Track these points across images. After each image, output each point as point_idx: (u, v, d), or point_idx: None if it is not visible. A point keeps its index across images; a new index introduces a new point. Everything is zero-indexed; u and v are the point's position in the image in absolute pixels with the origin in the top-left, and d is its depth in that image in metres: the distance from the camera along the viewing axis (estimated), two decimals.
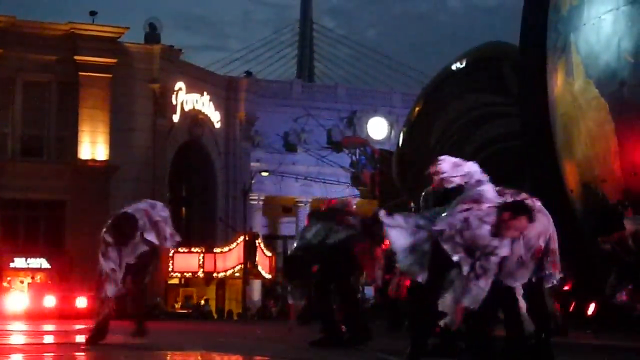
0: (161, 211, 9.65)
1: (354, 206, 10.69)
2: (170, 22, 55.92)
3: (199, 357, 9.06)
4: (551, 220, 7.36)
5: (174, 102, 40.27)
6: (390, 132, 51.80)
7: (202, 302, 40.31)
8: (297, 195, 50.24)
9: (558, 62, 15.24)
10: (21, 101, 37.06)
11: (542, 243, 7.28)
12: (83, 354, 9.40)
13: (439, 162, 7.37)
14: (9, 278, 35.31)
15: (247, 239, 38.23)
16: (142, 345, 9.95)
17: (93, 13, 38.08)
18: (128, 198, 38.47)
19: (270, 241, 44.76)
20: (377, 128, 53.19)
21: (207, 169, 44.06)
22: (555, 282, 7.66)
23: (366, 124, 53.07)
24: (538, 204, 7.28)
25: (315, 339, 10.05)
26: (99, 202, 35.98)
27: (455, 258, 7.07)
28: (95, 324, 9.82)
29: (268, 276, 41.50)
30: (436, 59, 33.86)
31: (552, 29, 15.61)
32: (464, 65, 20.99)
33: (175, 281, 40.34)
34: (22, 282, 35.02)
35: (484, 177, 7.31)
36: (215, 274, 39.48)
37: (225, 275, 39.71)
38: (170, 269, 38.17)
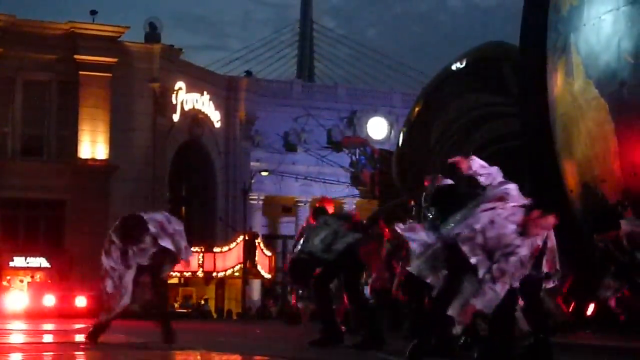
0: (176, 225, 9.66)
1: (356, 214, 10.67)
2: (171, 22, 55.90)
3: (199, 357, 9.06)
4: None
5: (174, 101, 40.29)
6: (390, 132, 51.84)
7: (202, 301, 40.34)
8: (297, 195, 50.26)
9: (558, 62, 15.24)
10: (21, 100, 37.08)
11: (540, 242, 7.30)
12: (82, 353, 9.40)
13: (471, 159, 7.38)
14: (8, 277, 35.33)
15: (246, 238, 38.26)
16: (142, 344, 9.95)
17: (93, 12, 38.11)
18: (128, 197, 38.97)
19: (269, 241, 44.79)
20: (377, 128, 53.22)
21: (207, 169, 44.08)
22: (555, 282, 7.67)
23: (366, 123, 53.10)
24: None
25: (315, 338, 10.06)
26: (98, 201, 36.04)
27: (473, 260, 7.02)
28: (99, 320, 9.78)
29: (268, 276, 41.53)
30: (436, 59, 33.88)
31: (552, 29, 15.61)
32: (464, 65, 20.97)
33: (175, 280, 40.35)
34: (21, 281, 35.05)
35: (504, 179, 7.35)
36: (214, 274, 39.50)
37: (224, 275, 39.73)
38: None
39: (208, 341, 10.13)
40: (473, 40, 24.80)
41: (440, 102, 21.27)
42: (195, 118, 42.17)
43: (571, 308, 12.52)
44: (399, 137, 23.86)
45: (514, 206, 7.07)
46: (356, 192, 41.39)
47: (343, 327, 10.75)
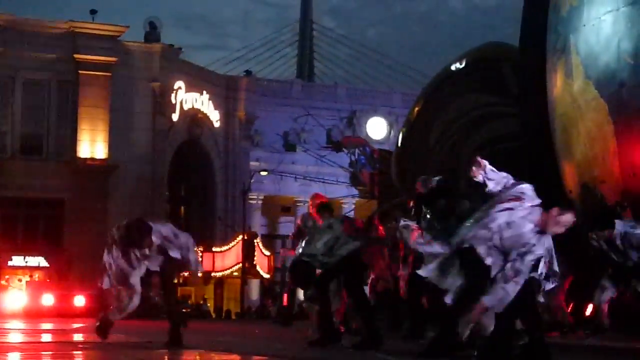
0: (183, 238, 9.60)
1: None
2: (171, 21, 55.96)
3: (198, 357, 9.05)
4: None
5: (173, 101, 40.28)
6: (390, 132, 51.83)
7: (201, 301, 40.31)
8: (296, 195, 50.22)
9: (557, 63, 15.23)
10: (21, 99, 37.09)
11: (550, 242, 7.33)
12: (81, 352, 9.39)
13: (485, 164, 7.36)
14: (7, 276, 35.33)
15: (245, 238, 38.26)
16: (141, 344, 9.94)
17: (93, 11, 38.12)
18: (127, 197, 38.97)
19: (269, 241, 44.75)
20: (377, 128, 53.21)
21: (206, 168, 44.07)
22: (553, 284, 7.66)
23: (366, 124, 53.09)
24: None
25: (314, 338, 10.04)
26: (98, 200, 36.07)
27: (488, 261, 7.02)
28: (105, 315, 9.75)
29: (266, 275, 41.52)
30: (436, 59, 33.89)
31: (552, 30, 15.60)
32: (463, 65, 20.95)
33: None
34: (20, 280, 35.04)
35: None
36: (213, 273, 39.47)
37: (223, 275, 39.71)
38: None
39: (207, 341, 10.12)
40: (473, 41, 24.80)
41: (440, 103, 21.25)
42: (194, 118, 42.16)
43: (570, 308, 12.51)
44: (398, 137, 23.84)
45: (531, 205, 7.08)
46: (355, 192, 41.38)
47: (342, 328, 10.74)
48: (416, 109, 22.39)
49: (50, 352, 9.49)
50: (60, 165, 36.59)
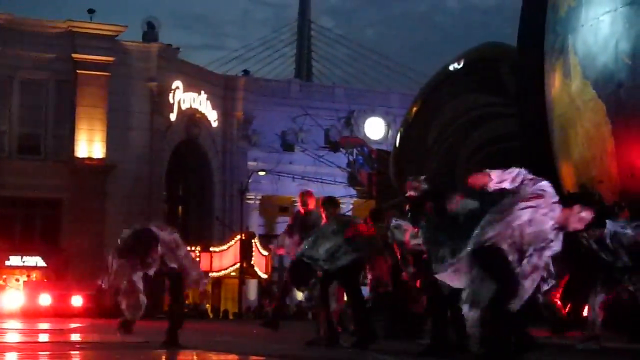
0: (182, 251, 9.61)
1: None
2: (169, 21, 55.86)
3: (195, 356, 9.04)
4: None
5: (171, 100, 40.25)
6: (388, 132, 51.78)
7: (198, 301, 40.26)
8: (294, 195, 49.88)
9: (556, 63, 15.24)
10: (19, 99, 37.06)
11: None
12: (78, 352, 9.38)
13: (486, 174, 7.32)
14: (4, 276, 35.30)
15: (243, 238, 38.23)
16: (138, 344, 9.93)
17: (91, 11, 38.10)
18: (125, 197, 38.87)
19: (266, 241, 44.67)
20: (375, 128, 53.16)
21: (204, 168, 44.04)
22: (548, 285, 7.65)
23: (364, 124, 53.02)
24: None
25: (311, 338, 10.04)
26: (95, 200, 36.07)
27: (509, 259, 7.03)
28: (125, 318, 9.74)
29: (264, 276, 41.49)
30: (434, 60, 33.88)
31: (550, 30, 15.61)
32: (461, 65, 20.97)
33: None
34: (17, 280, 35.01)
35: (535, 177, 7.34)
36: (211, 273, 39.42)
37: (221, 275, 39.68)
38: None
39: (205, 341, 10.12)
40: (471, 41, 24.80)
41: (437, 103, 21.27)
42: (192, 117, 42.13)
43: (567, 309, 12.50)
44: (396, 137, 23.85)
45: (552, 202, 7.10)
46: (353, 192, 41.35)
47: (339, 328, 10.73)
48: (414, 109, 22.41)
49: (48, 352, 9.47)
50: (58, 165, 36.55)
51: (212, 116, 43.70)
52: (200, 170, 44.00)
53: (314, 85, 57.64)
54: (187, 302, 40.58)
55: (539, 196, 7.08)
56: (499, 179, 7.23)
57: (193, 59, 46.28)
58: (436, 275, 7.41)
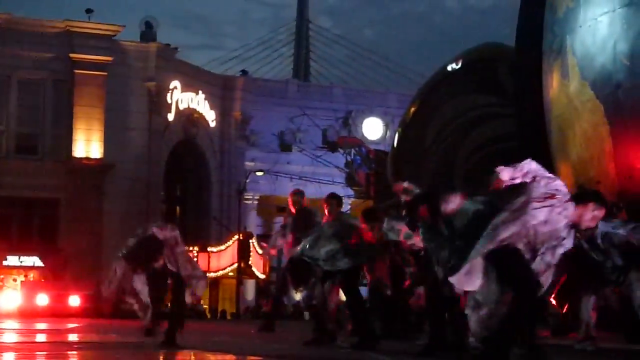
0: (180, 248, 9.62)
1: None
2: (167, 21, 55.80)
3: (193, 357, 9.03)
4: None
5: (169, 100, 40.21)
6: (386, 133, 51.80)
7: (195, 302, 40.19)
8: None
9: (554, 64, 15.24)
10: (16, 99, 37.02)
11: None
12: (76, 352, 9.37)
13: (498, 173, 7.31)
14: (1, 276, 35.26)
15: (241, 238, 38.21)
16: (136, 344, 9.92)
17: (89, 11, 38.05)
18: (122, 197, 38.79)
19: (264, 241, 44.62)
20: (373, 128, 53.17)
21: (201, 168, 44.01)
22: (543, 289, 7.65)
23: (361, 124, 53.04)
24: None
25: (309, 338, 10.04)
26: (93, 200, 36.05)
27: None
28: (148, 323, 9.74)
29: (262, 276, 41.45)
30: (432, 60, 33.89)
31: (548, 31, 15.62)
32: (459, 66, 20.97)
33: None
34: (15, 280, 34.97)
35: (546, 172, 7.32)
36: (209, 274, 39.39)
37: (218, 275, 39.64)
38: None
39: (202, 341, 10.11)
40: (469, 41, 24.79)
41: (436, 103, 21.26)
42: (190, 117, 42.10)
43: (565, 309, 12.50)
44: (394, 137, 23.85)
45: (566, 201, 7.09)
46: (351, 192, 41.34)
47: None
48: (412, 109, 22.40)
49: (45, 352, 9.46)
50: (55, 165, 36.52)
51: (210, 116, 43.67)
52: (198, 170, 43.98)
53: (311, 85, 57.65)
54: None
55: (553, 196, 7.05)
56: (510, 177, 7.20)
57: (191, 58, 46.32)
58: (450, 280, 7.30)
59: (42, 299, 29.48)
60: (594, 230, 9.57)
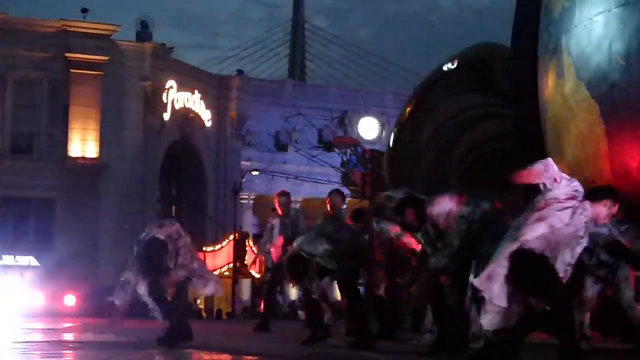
0: (183, 241, 9.63)
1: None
2: (163, 20, 55.84)
3: (189, 356, 9.02)
4: None
5: (164, 100, 40.19)
6: (382, 133, 51.84)
7: (192, 301, 40.18)
8: None
9: (549, 64, 15.24)
10: (11, 98, 36.98)
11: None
12: (71, 352, 9.36)
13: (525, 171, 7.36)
14: None
15: (236, 237, 38.21)
16: (130, 343, 9.91)
17: (85, 10, 38.01)
18: (118, 196, 38.71)
19: (260, 240, 44.61)
20: (368, 128, 53.22)
21: (197, 168, 44.00)
22: None
23: (357, 124, 53.09)
24: None
25: (306, 337, 10.04)
26: (88, 200, 36.03)
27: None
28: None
29: (257, 275, 41.44)
30: (428, 60, 33.92)
31: (544, 31, 15.61)
32: (455, 66, 20.94)
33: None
34: (11, 279, 34.87)
35: (563, 173, 7.37)
36: None
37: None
38: None
39: (197, 340, 10.09)
40: (465, 41, 24.77)
41: (431, 103, 21.24)
42: (186, 117, 42.08)
43: None
44: (390, 137, 23.83)
45: (583, 200, 7.11)
46: (347, 192, 41.29)
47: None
48: (408, 109, 22.38)
49: (40, 352, 9.45)
50: (51, 165, 36.50)
51: (206, 116, 43.66)
52: (193, 170, 43.97)
53: (307, 85, 57.68)
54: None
55: (574, 197, 7.06)
56: (537, 176, 7.21)
57: (187, 58, 46.34)
58: (473, 283, 7.27)
59: (38, 299, 29.42)
60: None
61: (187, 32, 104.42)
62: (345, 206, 11.91)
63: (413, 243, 8.81)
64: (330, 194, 10.54)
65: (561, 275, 6.98)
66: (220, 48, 74.01)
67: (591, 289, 10.06)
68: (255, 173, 41.62)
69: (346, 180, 38.52)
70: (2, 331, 14.45)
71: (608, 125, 13.66)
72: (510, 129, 18.08)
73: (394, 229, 9.20)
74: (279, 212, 12.20)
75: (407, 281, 10.73)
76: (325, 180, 43.94)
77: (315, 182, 44.59)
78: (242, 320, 33.59)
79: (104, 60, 37.22)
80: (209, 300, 41.22)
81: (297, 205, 42.61)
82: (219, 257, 39.14)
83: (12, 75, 36.79)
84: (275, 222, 12.62)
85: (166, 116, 40.33)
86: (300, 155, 47.41)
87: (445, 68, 21.20)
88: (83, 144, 37.15)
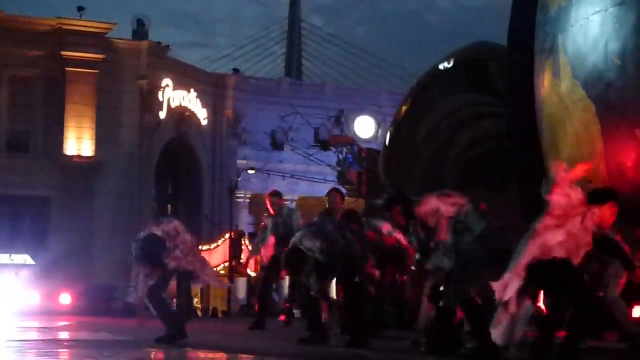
0: (181, 239, 9.66)
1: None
2: (159, 19, 55.74)
3: (185, 355, 9.02)
4: None
5: (160, 98, 40.14)
6: (378, 131, 51.86)
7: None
8: (283, 193, 50.01)
9: (545, 63, 15.24)
10: (7, 96, 36.93)
11: None
12: (66, 350, 9.35)
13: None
14: None
15: (232, 236, 38.19)
16: (126, 342, 9.91)
17: (81, 8, 37.96)
18: (113, 195, 38.66)
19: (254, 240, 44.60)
20: (365, 127, 53.23)
21: (193, 166, 43.98)
22: None
23: (353, 122, 53.10)
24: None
25: (304, 336, 10.04)
26: (84, 198, 35.99)
27: None
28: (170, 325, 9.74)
29: (253, 274, 41.44)
30: (424, 58, 33.93)
31: (540, 30, 15.61)
32: (451, 64, 20.95)
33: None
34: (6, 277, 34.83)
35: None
36: None
37: None
38: None
39: (193, 339, 10.09)
40: (461, 40, 24.78)
41: (427, 102, 21.25)
42: (182, 115, 42.05)
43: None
44: (386, 136, 23.84)
45: (587, 205, 7.16)
46: (343, 190, 41.37)
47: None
48: (404, 108, 22.39)
49: (35, 350, 9.44)
50: (46, 163, 36.45)
51: (202, 114, 43.63)
52: (189, 169, 43.94)
53: (303, 83, 57.69)
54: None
55: (582, 203, 7.13)
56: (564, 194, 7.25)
57: (183, 56, 46.27)
58: (492, 285, 7.28)
59: (33, 297, 29.39)
60: None
61: (184, 31, 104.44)
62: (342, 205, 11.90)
63: (403, 239, 8.82)
64: (329, 192, 10.53)
65: None
66: (217, 46, 74.07)
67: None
68: (251, 172, 41.60)
69: (342, 178, 38.50)
70: None
71: (604, 124, 13.67)
72: (505, 128, 18.10)
73: (386, 227, 9.21)
74: (271, 211, 12.22)
75: (409, 283, 10.75)
76: (321, 179, 43.97)
77: (311, 180, 44.59)
78: (238, 318, 33.59)
79: (100, 58, 37.17)
80: (204, 298, 41.23)
81: (293, 204, 42.72)
82: (214, 255, 39.09)
83: (7, 73, 36.73)
84: (268, 221, 12.63)
85: (162, 114, 40.29)
86: (297, 154, 47.41)
87: (441, 67, 21.20)
88: (79, 142, 37.11)
